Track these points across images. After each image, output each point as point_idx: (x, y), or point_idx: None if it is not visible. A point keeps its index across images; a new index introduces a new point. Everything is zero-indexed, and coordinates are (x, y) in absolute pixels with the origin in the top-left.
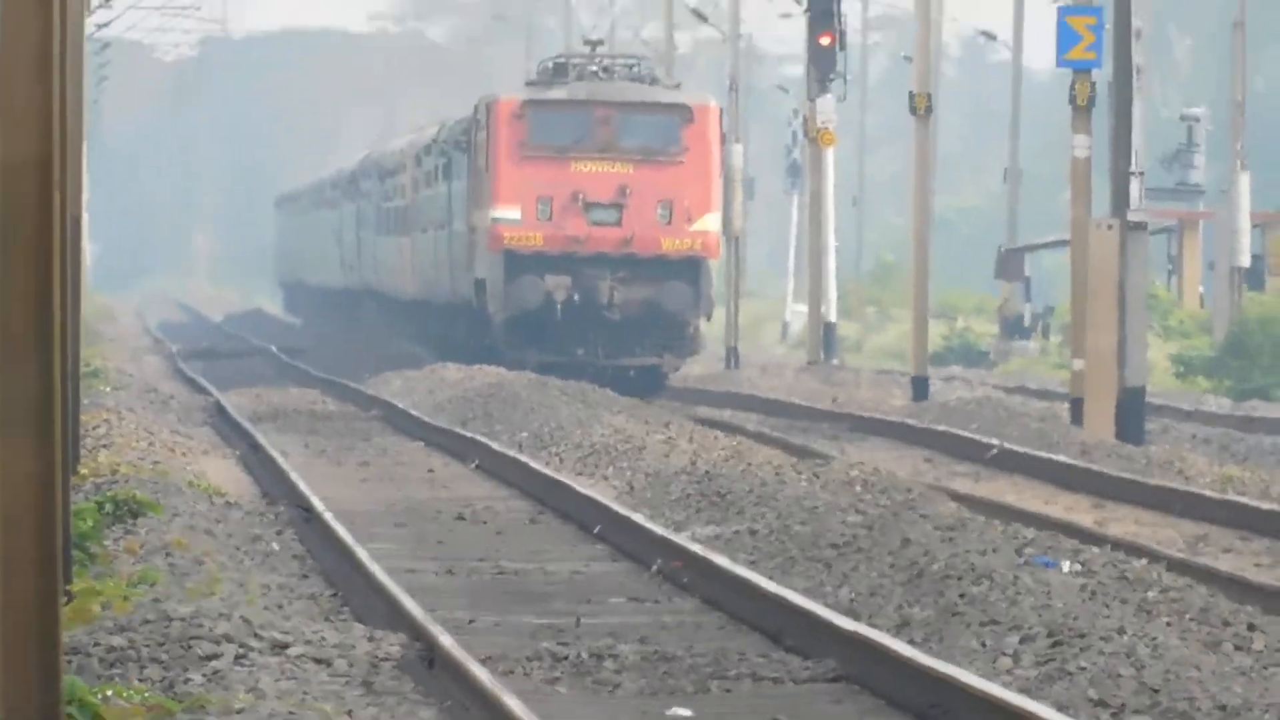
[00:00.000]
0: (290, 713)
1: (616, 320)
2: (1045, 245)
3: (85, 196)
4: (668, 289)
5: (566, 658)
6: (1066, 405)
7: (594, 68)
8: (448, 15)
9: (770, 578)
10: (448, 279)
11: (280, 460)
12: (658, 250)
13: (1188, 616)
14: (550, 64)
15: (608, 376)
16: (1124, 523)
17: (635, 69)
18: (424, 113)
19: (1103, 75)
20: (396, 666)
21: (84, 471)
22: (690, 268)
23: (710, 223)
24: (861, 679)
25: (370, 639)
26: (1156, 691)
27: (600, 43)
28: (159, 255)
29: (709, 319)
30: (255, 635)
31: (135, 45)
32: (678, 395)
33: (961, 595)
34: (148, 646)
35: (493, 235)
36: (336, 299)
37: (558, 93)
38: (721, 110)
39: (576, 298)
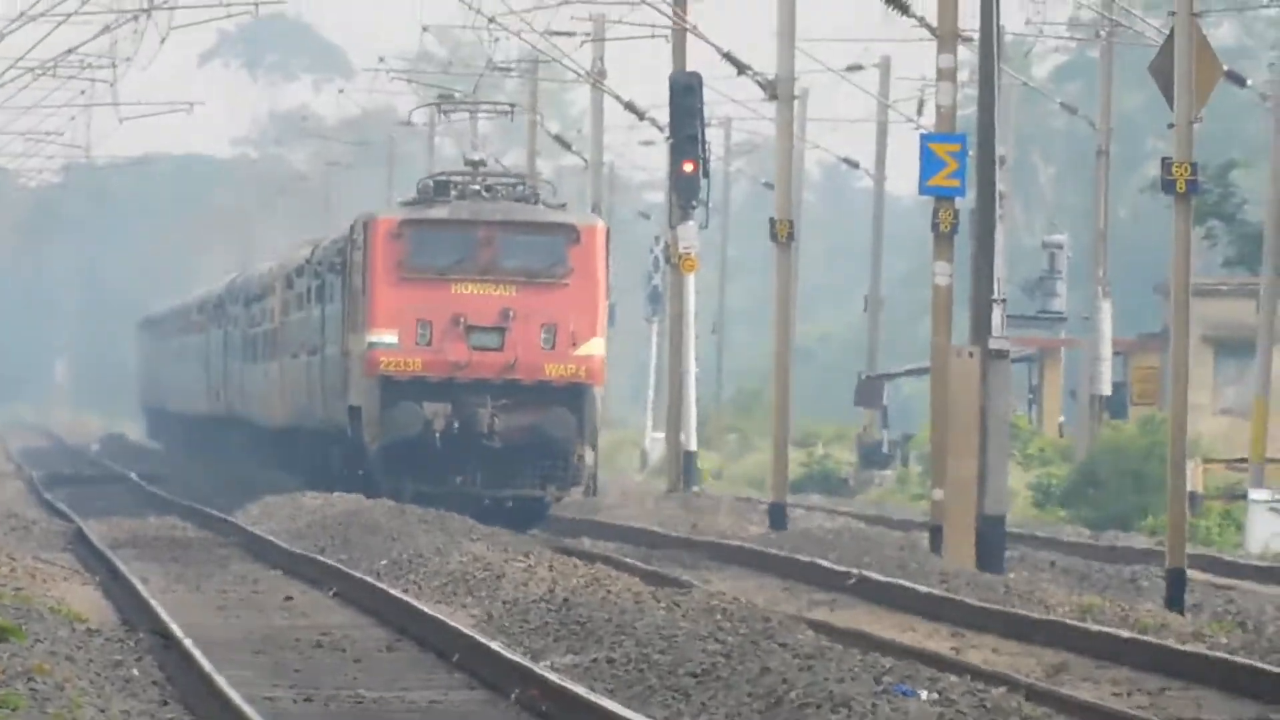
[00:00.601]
0: None
1: (498, 449)
2: (905, 373)
3: None
4: (551, 416)
5: None
6: (926, 534)
7: (476, 186)
8: (309, 141)
9: (629, 706)
10: (320, 405)
11: (140, 587)
12: (541, 376)
13: None
14: (430, 182)
15: (486, 508)
16: (983, 651)
17: (519, 188)
18: (282, 239)
19: (965, 202)
20: None
21: None
22: (575, 394)
23: (596, 347)
24: None
25: None
26: None
27: (482, 162)
28: (20, 383)
29: (594, 448)
30: None
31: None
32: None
33: None
34: None
35: (369, 360)
36: (202, 426)
37: (438, 211)
38: (608, 230)
39: (456, 425)
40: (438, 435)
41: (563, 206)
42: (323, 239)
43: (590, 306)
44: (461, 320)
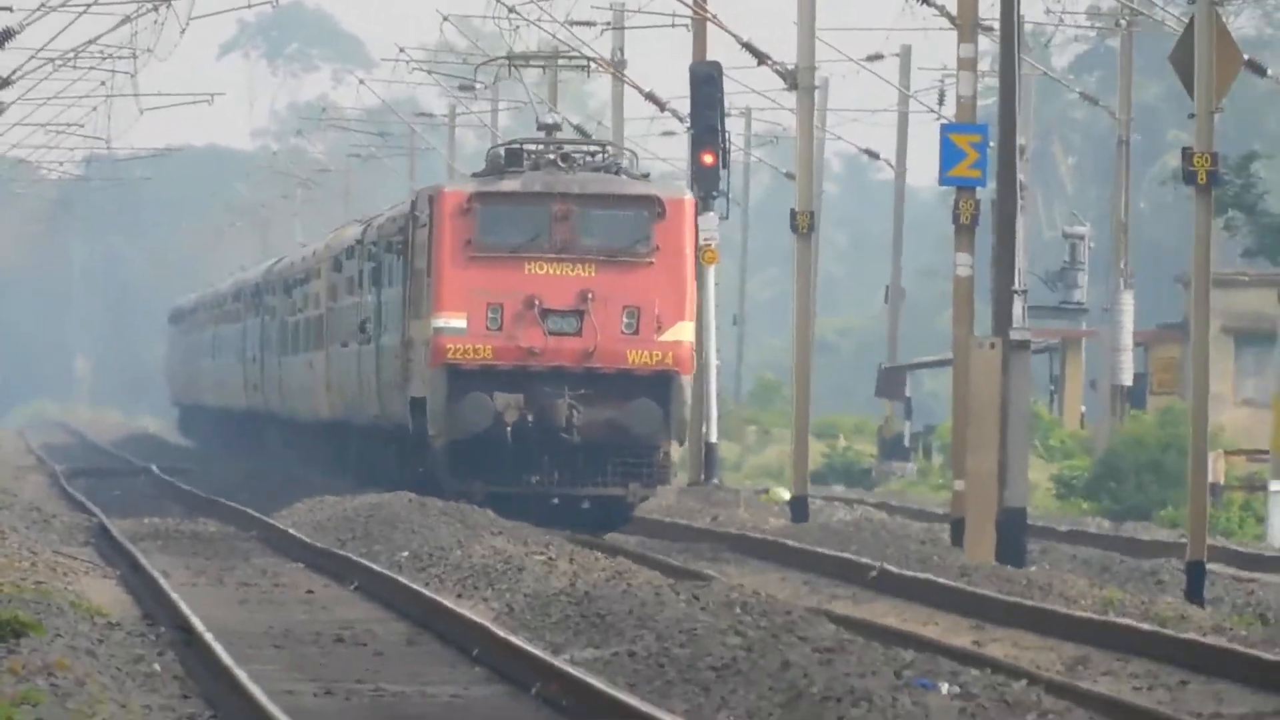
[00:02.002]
0: None
1: (576, 444)
2: (926, 365)
3: None
4: (634, 409)
5: None
6: (947, 526)
7: (551, 155)
8: (329, 133)
9: (649, 701)
10: (375, 399)
11: (161, 581)
12: (623, 364)
13: None
14: (501, 151)
15: (563, 511)
16: (1004, 644)
17: (599, 156)
18: (301, 232)
19: (986, 193)
20: None
21: None
22: (660, 384)
23: (683, 332)
24: None
25: None
26: None
27: (557, 127)
28: (39, 379)
29: (682, 443)
30: None
31: (19, 164)
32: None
33: (840, 718)
34: None
35: (434, 348)
36: (238, 421)
37: (510, 184)
38: (697, 204)
39: (530, 419)
40: (510, 430)
41: (646, 177)
42: (376, 216)
43: (677, 287)
44: (536, 303)
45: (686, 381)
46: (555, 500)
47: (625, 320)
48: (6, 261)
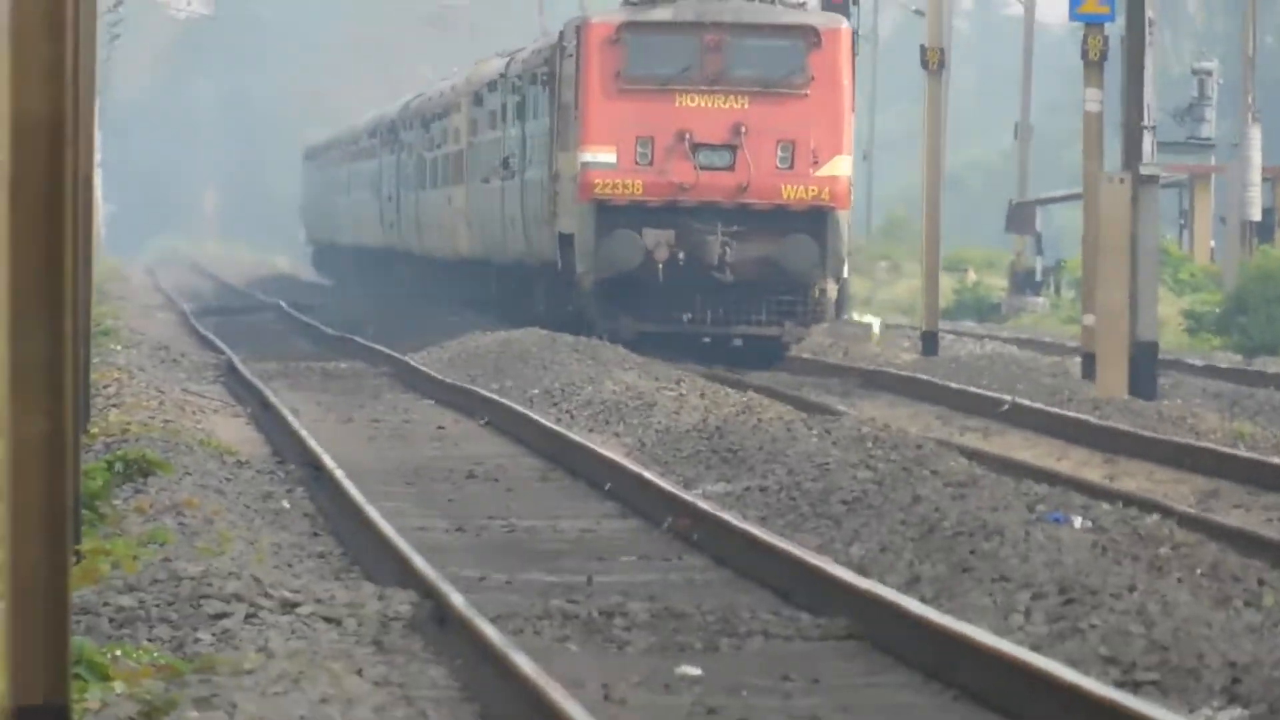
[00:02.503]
0: (300, 672)
1: (729, 282)
2: (1056, 199)
3: (97, 156)
4: (789, 245)
5: (577, 616)
6: (1078, 360)
7: None
8: None
9: (781, 534)
10: (519, 235)
11: (291, 418)
12: (778, 199)
13: (1199, 573)
14: None
15: (711, 349)
16: (1136, 478)
17: None
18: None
19: (1115, 29)
20: (407, 625)
21: (94, 431)
22: (816, 220)
23: (840, 166)
24: (873, 637)
25: (380, 598)
26: (1166, 649)
27: None
28: (170, 214)
29: (838, 281)
30: (265, 594)
31: (148, 3)
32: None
33: (972, 552)
34: (157, 606)
35: (582, 183)
36: (374, 258)
37: (660, 13)
38: (854, 33)
39: (681, 256)
40: (660, 267)
41: (802, 5)
42: (519, 50)
43: (834, 120)
44: (687, 137)
45: (843, 217)
46: (707, 339)
47: (780, 154)
48: (136, 99)
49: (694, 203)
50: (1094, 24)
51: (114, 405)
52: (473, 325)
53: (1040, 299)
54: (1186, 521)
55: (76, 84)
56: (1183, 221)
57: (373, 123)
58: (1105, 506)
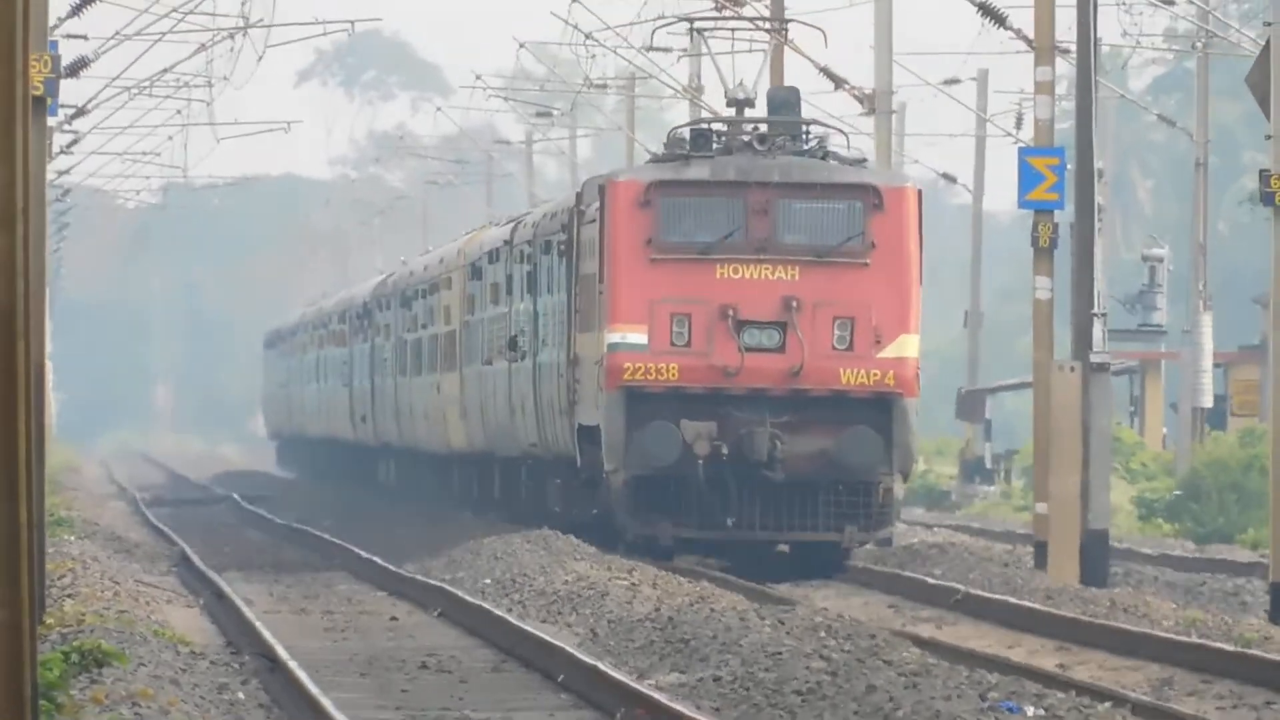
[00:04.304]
0: None
1: (780, 481)
2: (1007, 387)
3: (48, 347)
4: (850, 438)
5: None
6: (1030, 548)
7: (746, 136)
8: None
9: None
10: (530, 425)
11: (245, 609)
12: (836, 385)
13: None
14: (686, 132)
15: (758, 555)
16: (1089, 666)
17: (802, 139)
18: (380, 258)
19: (1064, 216)
20: None
21: (50, 621)
22: (880, 408)
23: (907, 347)
24: None
25: None
26: None
27: (750, 102)
28: (120, 408)
29: (906, 478)
30: None
31: (97, 192)
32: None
33: None
34: None
35: (610, 367)
36: (345, 452)
37: (697, 170)
38: (920, 193)
39: (725, 451)
40: (701, 464)
41: (862, 163)
42: (526, 214)
43: (900, 293)
44: (731, 313)
45: (911, 405)
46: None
47: (837, 333)
48: (85, 291)
49: (739, 390)
50: (1043, 211)
51: (69, 595)
52: (474, 524)
53: (991, 486)
54: (1140, 710)
55: (27, 275)
56: (1134, 408)
57: (341, 304)
58: (1059, 695)
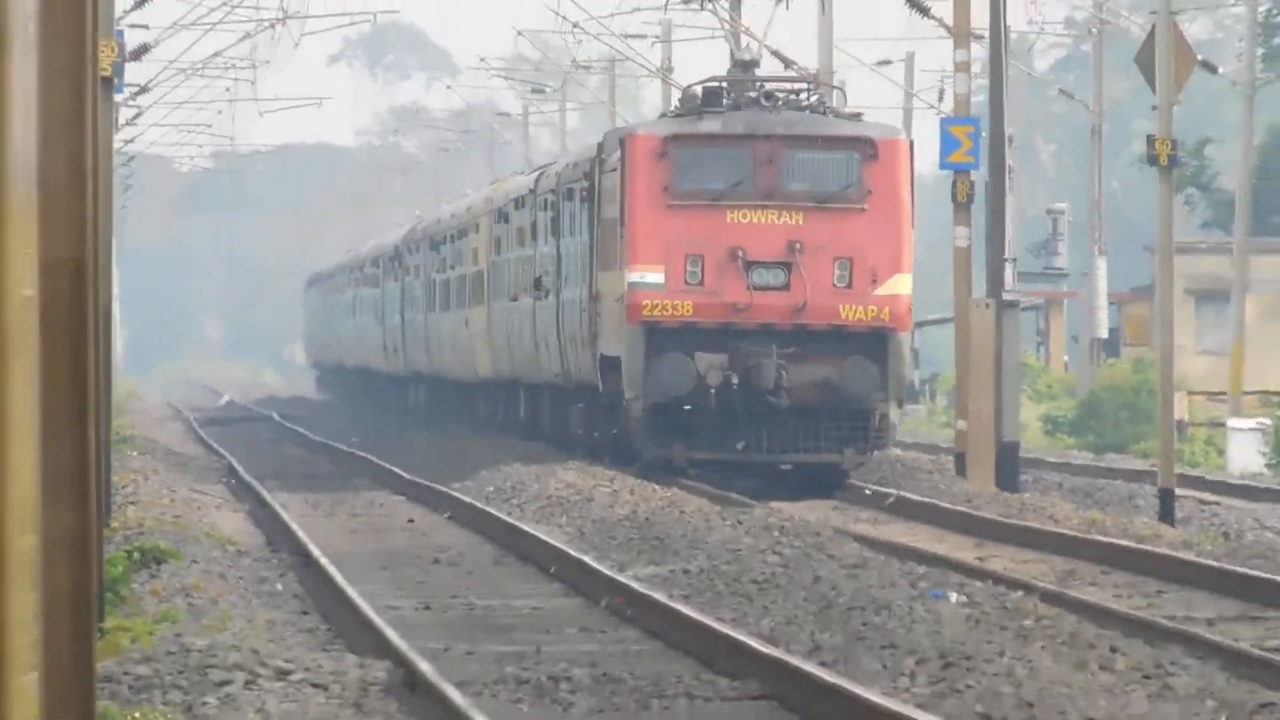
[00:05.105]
0: None
1: (785, 407)
2: (931, 322)
3: (115, 290)
4: (848, 368)
5: (528, 681)
6: (952, 459)
7: (753, 94)
8: (421, 131)
9: (701, 610)
10: (554, 356)
11: (282, 513)
12: (836, 320)
13: (1059, 641)
14: (699, 90)
15: (767, 475)
16: (1003, 559)
17: (804, 95)
18: (400, 214)
19: (980, 176)
20: (383, 690)
21: (115, 525)
22: (876, 341)
23: (900, 285)
24: (780, 697)
25: (360, 666)
26: (1032, 706)
27: (755, 63)
28: (176, 340)
29: (901, 405)
30: (262, 664)
31: (157, 159)
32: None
33: (864, 624)
34: (170, 675)
35: (630, 304)
36: (375, 381)
37: (710, 125)
38: (912, 145)
39: (735, 380)
40: (713, 392)
41: (858, 116)
42: (550, 164)
43: (893, 236)
44: (740, 255)
45: (904, 339)
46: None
47: (837, 272)
48: (146, 242)
49: (748, 325)
50: (961, 171)
51: (131, 503)
52: (497, 451)
53: (919, 406)
54: (1048, 597)
55: (96, 228)
56: (1040, 339)
57: (375, 250)
58: (978, 584)
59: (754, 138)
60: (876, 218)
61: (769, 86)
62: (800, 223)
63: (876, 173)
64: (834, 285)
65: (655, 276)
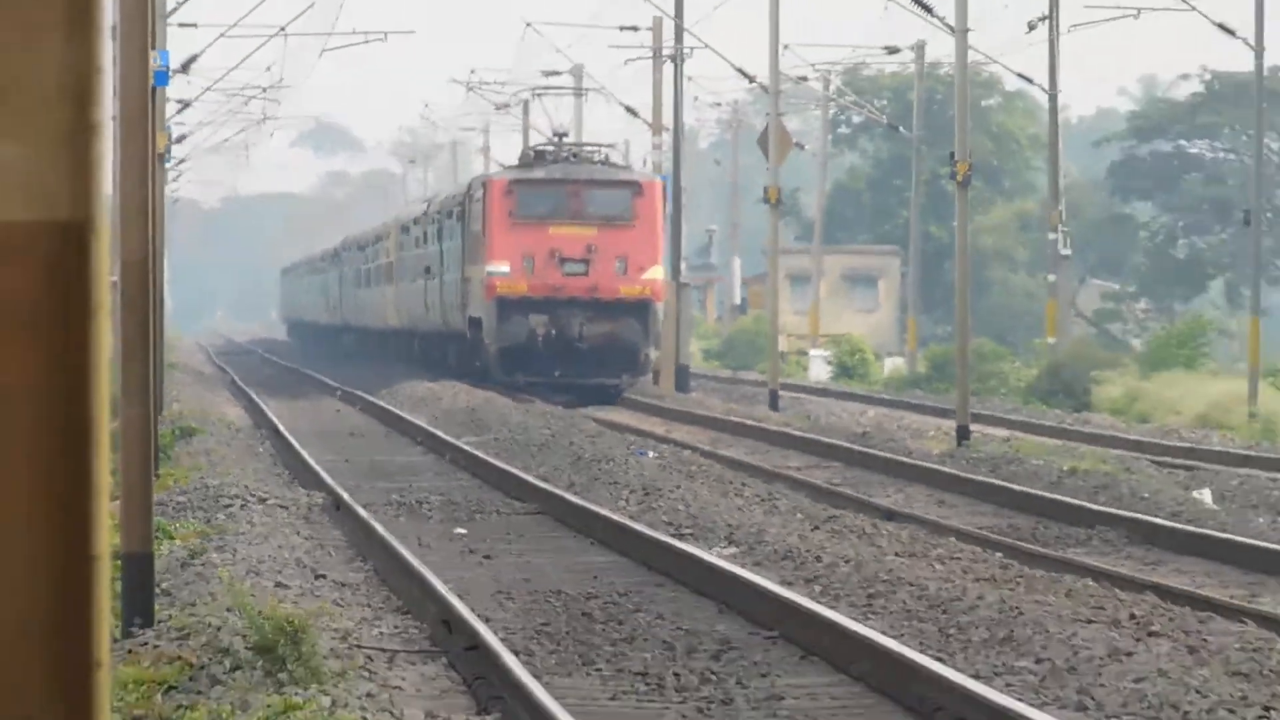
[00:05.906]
0: (269, 533)
1: (585, 349)
2: None
3: (165, 277)
4: (625, 325)
5: (405, 503)
6: (652, 375)
7: (565, 154)
8: (346, 185)
9: (503, 462)
10: (438, 315)
11: (264, 407)
12: (617, 295)
13: (712, 479)
14: (531, 152)
15: (576, 390)
16: (680, 432)
17: (596, 154)
18: (335, 234)
19: (668, 209)
20: (320, 509)
21: (165, 414)
22: (642, 308)
23: (656, 273)
24: (550, 513)
25: (308, 495)
26: (696, 518)
27: (565, 134)
28: (196, 317)
29: (657, 348)
30: (251, 494)
31: (190, 200)
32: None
33: (599, 470)
34: (197, 501)
35: (487, 285)
36: (322, 331)
37: (538, 173)
38: (665, 184)
39: (554, 332)
40: (540, 340)
41: (628, 168)
42: (435, 196)
43: (651, 242)
44: (557, 254)
45: (659, 307)
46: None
47: (617, 265)
48: (182, 250)
49: (562, 298)
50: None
51: (175, 401)
52: (397, 372)
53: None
54: (705, 455)
55: (153, 239)
56: (701, 303)
57: (322, 252)
58: (666, 446)
59: (566, 181)
60: (641, 231)
61: (574, 149)
62: (595, 234)
63: (641, 203)
64: (615, 273)
65: (504, 267)
